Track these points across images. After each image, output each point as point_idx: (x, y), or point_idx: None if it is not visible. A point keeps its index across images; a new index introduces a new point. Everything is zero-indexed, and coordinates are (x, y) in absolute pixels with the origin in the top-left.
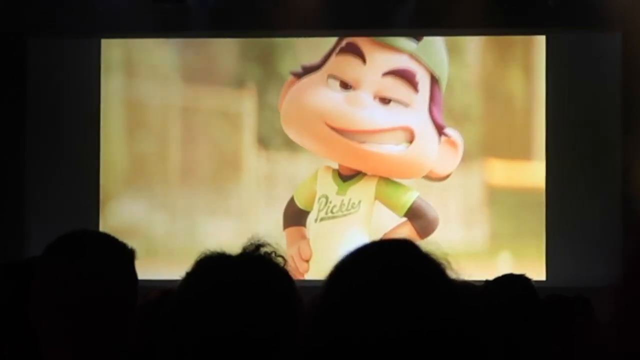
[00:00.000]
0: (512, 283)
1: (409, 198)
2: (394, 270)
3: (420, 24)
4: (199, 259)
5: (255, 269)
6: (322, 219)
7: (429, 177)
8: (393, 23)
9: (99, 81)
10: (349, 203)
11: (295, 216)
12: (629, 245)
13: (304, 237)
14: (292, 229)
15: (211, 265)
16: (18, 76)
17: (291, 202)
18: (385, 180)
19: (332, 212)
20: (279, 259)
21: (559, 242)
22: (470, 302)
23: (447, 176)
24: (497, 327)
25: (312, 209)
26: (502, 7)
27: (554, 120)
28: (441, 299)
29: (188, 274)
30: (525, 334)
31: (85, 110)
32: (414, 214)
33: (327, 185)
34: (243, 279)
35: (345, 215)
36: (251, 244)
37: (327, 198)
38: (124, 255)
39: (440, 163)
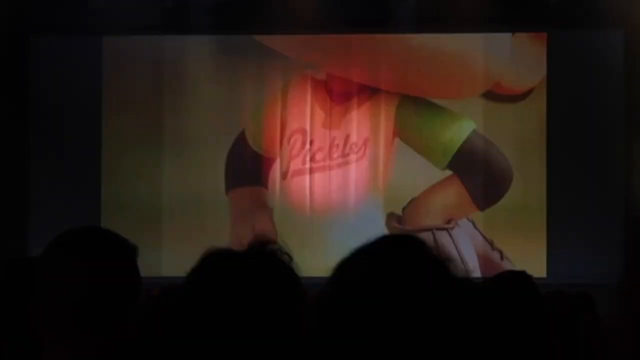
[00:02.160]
0: (513, 279)
1: (457, 134)
2: (397, 271)
3: (422, 23)
4: (204, 255)
5: (260, 266)
6: (296, 174)
7: (494, 94)
8: (394, 22)
9: (101, 79)
10: (345, 143)
11: (247, 168)
12: (632, 249)
13: (262, 205)
14: (242, 192)
15: (216, 263)
16: (20, 74)
17: (240, 141)
18: (414, 100)
19: (314, 159)
20: (285, 257)
21: (560, 239)
22: (472, 300)
23: (527, 92)
24: (499, 323)
25: (277, 154)
26: (504, 5)
27: (554, 116)
28: (444, 299)
29: (193, 270)
30: (526, 329)
31: (87, 108)
32: (467, 165)
33: (306, 109)
34: (249, 277)
35: (339, 165)
36: (257, 241)
37: (304, 134)
38: (126, 252)
39: (515, 66)
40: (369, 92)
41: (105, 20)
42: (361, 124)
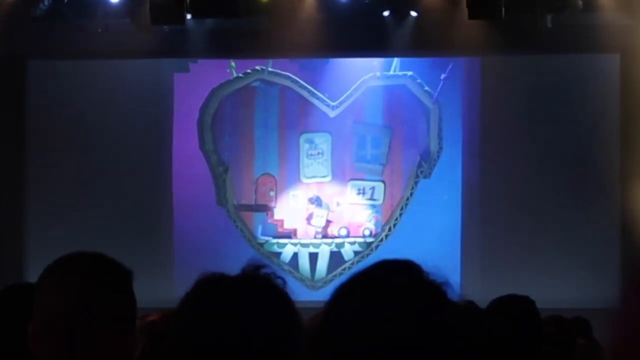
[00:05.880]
0: (511, 303)
1: None
2: (395, 298)
3: (419, 46)
4: (198, 279)
5: (255, 290)
6: None
7: None
8: (391, 45)
9: (98, 101)
10: None
11: None
12: (628, 269)
13: None
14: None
15: (211, 287)
16: (18, 96)
17: None
18: None
19: None
20: (279, 281)
21: (557, 264)
22: (471, 324)
23: None
24: (497, 348)
25: None
26: (502, 29)
27: (551, 140)
28: (441, 325)
29: (188, 295)
30: (524, 354)
31: (84, 130)
32: None
33: None
34: (243, 301)
35: None
36: (250, 265)
37: None
38: (121, 276)
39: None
40: None
41: (104, 44)
42: None
